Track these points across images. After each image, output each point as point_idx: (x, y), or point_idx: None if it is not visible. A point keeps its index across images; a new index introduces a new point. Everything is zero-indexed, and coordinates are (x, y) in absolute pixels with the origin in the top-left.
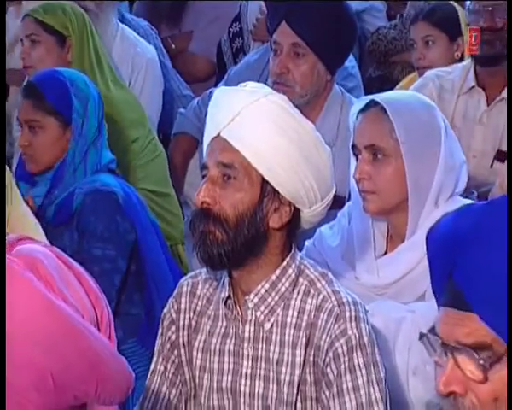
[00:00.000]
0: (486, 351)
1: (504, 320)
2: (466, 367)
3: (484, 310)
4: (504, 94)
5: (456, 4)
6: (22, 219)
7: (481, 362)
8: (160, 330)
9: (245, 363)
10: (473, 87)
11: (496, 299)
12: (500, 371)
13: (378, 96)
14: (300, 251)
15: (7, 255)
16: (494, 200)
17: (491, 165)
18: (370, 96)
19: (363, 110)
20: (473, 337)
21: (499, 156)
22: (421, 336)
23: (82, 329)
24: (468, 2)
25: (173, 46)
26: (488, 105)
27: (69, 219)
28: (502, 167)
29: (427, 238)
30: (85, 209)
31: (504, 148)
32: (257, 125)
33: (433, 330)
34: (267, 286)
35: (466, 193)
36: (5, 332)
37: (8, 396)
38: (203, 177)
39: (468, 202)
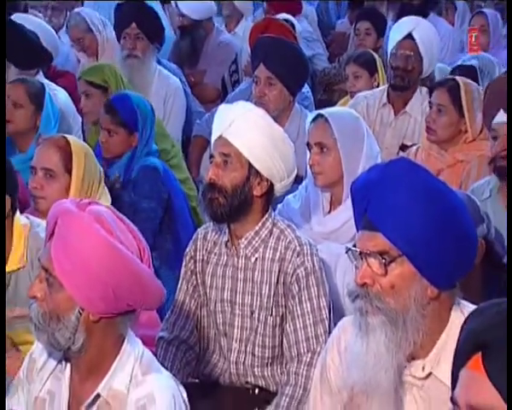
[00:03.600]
0: (386, 255)
1: (400, 235)
2: (373, 266)
3: (385, 230)
4: (406, 108)
5: (373, 52)
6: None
7: (383, 261)
8: (183, 263)
9: (238, 284)
10: (385, 104)
11: (393, 222)
12: (395, 269)
13: (323, 111)
14: (274, 211)
15: (83, 213)
16: (392, 160)
17: (397, 153)
18: (318, 111)
19: (313, 120)
20: (378, 247)
21: (402, 148)
22: (347, 250)
23: (131, 259)
24: (391, 47)
25: (192, 79)
26: (395, 115)
27: (128, 185)
28: (404, 154)
29: (351, 188)
30: (139, 178)
31: (405, 142)
32: (246, 129)
33: (354, 245)
34: (253, 234)
35: None
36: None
37: (85, 305)
38: (211, 163)
39: None
